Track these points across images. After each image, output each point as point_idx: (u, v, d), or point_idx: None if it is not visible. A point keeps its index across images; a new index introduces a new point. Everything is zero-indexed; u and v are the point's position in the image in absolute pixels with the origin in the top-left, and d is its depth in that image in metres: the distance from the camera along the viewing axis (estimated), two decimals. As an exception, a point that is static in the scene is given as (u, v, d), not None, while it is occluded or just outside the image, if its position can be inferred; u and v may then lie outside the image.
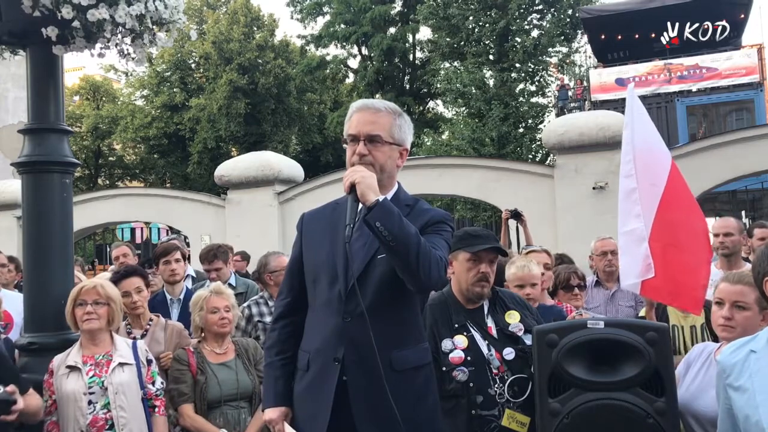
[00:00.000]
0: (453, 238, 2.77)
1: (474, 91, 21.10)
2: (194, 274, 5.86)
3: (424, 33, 29.10)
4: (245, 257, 8.38)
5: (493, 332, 2.90)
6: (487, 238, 2.96)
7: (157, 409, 3.37)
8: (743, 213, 17.85)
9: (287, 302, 2.58)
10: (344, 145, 2.45)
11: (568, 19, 23.69)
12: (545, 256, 4.43)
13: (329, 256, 2.41)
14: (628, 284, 3.90)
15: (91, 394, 3.19)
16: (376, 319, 2.23)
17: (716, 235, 4.70)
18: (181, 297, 4.77)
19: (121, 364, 3.29)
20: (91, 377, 3.23)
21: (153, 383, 3.39)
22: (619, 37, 22.84)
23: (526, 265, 3.66)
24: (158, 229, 15.90)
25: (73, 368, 3.24)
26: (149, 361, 3.43)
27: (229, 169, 10.81)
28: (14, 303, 4.28)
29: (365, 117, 2.40)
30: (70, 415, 3.17)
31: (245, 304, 4.71)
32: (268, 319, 4.51)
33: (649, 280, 3.77)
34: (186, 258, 5.23)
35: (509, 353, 2.84)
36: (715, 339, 2.91)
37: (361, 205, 2.21)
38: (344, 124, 2.48)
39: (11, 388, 2.93)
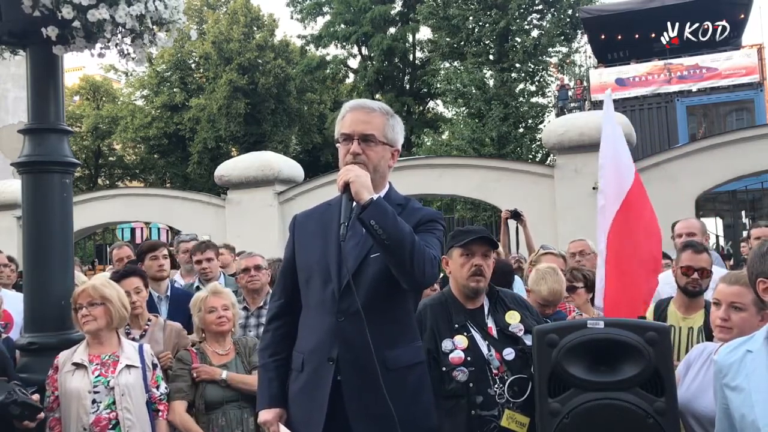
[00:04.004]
0: (448, 239, 2.76)
1: (474, 91, 21.09)
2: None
3: (424, 33, 29.15)
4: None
5: (494, 332, 2.90)
6: (478, 232, 2.96)
7: (160, 413, 3.39)
8: (743, 213, 17.84)
9: (280, 303, 2.58)
10: (337, 145, 2.46)
11: (568, 19, 23.69)
12: (562, 263, 4.39)
13: (322, 257, 2.41)
14: (597, 303, 3.98)
15: (95, 393, 3.20)
16: (370, 318, 2.23)
17: (679, 236, 4.61)
18: (168, 294, 4.75)
19: (128, 366, 3.30)
20: (96, 376, 3.22)
21: (157, 387, 3.41)
22: (619, 37, 22.84)
23: (559, 290, 3.70)
24: (158, 229, 15.90)
25: (79, 366, 3.24)
26: (154, 365, 3.45)
27: (229, 169, 10.82)
28: (14, 303, 4.28)
29: (359, 116, 2.41)
30: (73, 413, 3.17)
31: None
32: None
33: (607, 297, 3.85)
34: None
35: (509, 353, 2.84)
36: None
37: (355, 204, 2.22)
38: (336, 124, 2.49)
39: (36, 396, 2.95)
